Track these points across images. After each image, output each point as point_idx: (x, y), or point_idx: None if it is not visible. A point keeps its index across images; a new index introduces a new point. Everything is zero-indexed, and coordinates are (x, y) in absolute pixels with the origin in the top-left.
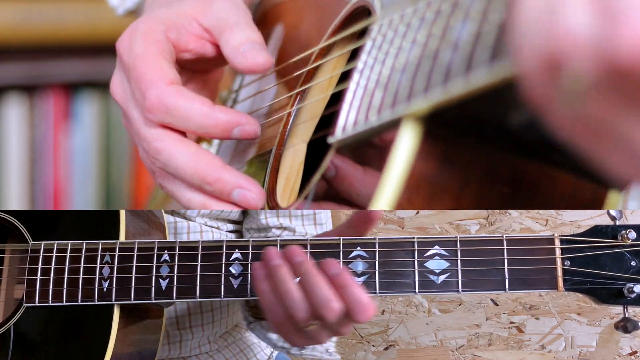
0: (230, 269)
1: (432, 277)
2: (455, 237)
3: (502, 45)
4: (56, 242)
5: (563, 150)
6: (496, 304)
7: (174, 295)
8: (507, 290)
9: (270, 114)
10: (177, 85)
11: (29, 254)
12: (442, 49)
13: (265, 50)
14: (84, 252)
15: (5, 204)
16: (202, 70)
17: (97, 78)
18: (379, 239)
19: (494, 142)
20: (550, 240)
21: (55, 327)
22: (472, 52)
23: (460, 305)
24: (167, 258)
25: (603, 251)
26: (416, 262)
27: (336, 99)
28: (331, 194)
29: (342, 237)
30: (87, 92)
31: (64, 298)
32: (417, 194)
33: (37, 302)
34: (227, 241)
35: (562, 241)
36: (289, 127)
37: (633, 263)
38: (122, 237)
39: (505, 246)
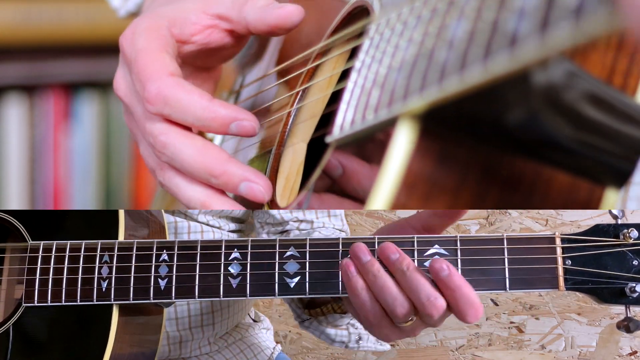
0: (229, 268)
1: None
2: (456, 236)
3: (495, 43)
4: (55, 242)
5: (560, 148)
6: (496, 304)
7: (173, 295)
8: (508, 289)
9: (270, 114)
10: (177, 77)
11: (27, 254)
12: (438, 48)
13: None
14: (82, 252)
15: (5, 204)
16: (203, 66)
17: (97, 78)
18: (378, 238)
19: (490, 141)
20: (551, 240)
21: (54, 327)
22: (466, 50)
23: None
24: (166, 258)
25: (605, 250)
26: (416, 261)
27: (336, 99)
28: (334, 189)
29: (341, 238)
30: (87, 92)
31: (63, 298)
32: (413, 193)
33: (36, 302)
34: (225, 241)
35: (563, 240)
36: (288, 126)
37: (635, 262)
38: (121, 237)
39: (505, 245)
